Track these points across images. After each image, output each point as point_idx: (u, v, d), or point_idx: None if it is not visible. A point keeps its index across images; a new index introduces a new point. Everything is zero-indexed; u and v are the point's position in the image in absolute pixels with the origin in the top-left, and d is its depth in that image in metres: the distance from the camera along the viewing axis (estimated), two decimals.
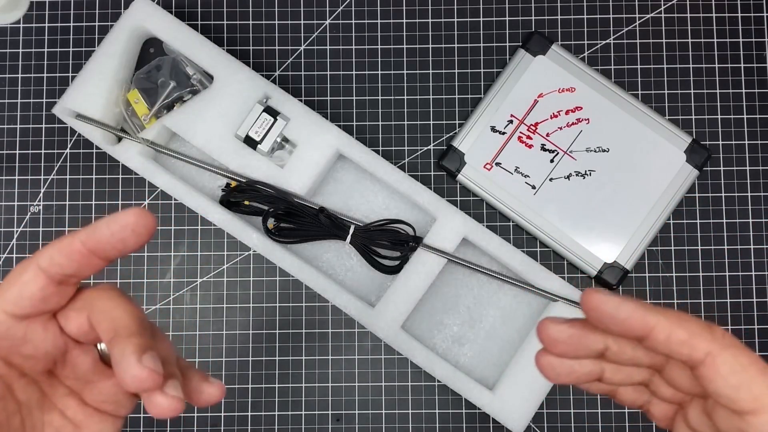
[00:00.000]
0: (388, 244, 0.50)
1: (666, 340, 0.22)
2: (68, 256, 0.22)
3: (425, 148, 0.54)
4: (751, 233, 0.53)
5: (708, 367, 0.22)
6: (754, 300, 0.52)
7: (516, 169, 0.51)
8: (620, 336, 0.23)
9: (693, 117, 0.53)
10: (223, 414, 0.51)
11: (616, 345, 0.24)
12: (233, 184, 0.50)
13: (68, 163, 0.54)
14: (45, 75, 0.54)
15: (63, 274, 0.23)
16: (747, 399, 0.21)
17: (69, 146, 0.54)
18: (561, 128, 0.52)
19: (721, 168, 0.53)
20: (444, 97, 0.54)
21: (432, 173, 0.53)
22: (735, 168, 0.53)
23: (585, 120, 0.52)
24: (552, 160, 0.51)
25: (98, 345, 0.25)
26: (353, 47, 0.54)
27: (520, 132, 0.52)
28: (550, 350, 0.24)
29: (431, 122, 0.54)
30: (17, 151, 0.54)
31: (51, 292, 0.23)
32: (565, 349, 0.24)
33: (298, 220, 0.50)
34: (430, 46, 0.54)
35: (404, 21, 0.54)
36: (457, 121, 0.54)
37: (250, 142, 0.49)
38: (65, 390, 0.25)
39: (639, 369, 0.26)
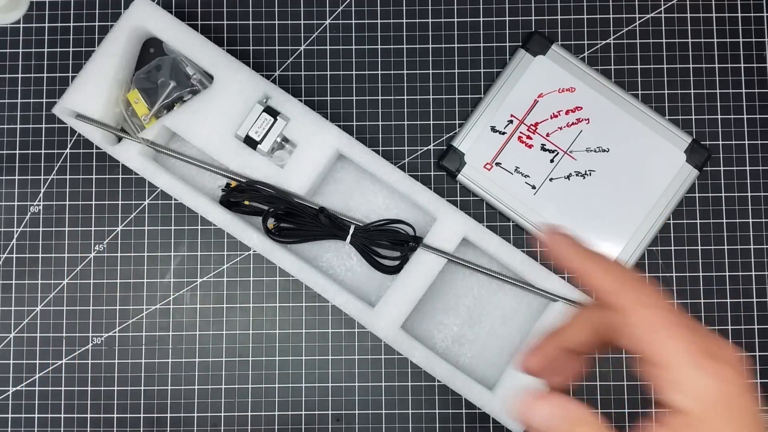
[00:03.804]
0: (388, 244, 0.50)
1: (595, 287, 0.24)
2: None
3: (425, 148, 0.54)
4: (751, 233, 0.53)
5: (621, 319, 0.23)
6: (754, 300, 0.52)
7: (516, 169, 0.51)
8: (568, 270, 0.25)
9: (693, 117, 0.53)
10: (223, 414, 0.51)
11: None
12: (233, 184, 0.50)
13: (68, 163, 0.54)
14: (45, 75, 0.54)
15: None
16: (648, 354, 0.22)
17: (69, 146, 0.54)
18: (561, 128, 0.52)
19: (721, 168, 0.53)
20: (444, 97, 0.54)
21: (432, 173, 0.53)
22: (735, 168, 0.53)
23: (585, 120, 0.52)
24: (552, 160, 0.51)
25: None
26: (353, 47, 0.54)
27: (520, 132, 0.52)
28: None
29: (431, 122, 0.54)
30: (17, 151, 0.54)
31: None
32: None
33: (298, 220, 0.50)
34: (430, 46, 0.54)
35: (404, 21, 0.54)
36: (457, 121, 0.54)
37: (250, 142, 0.49)
38: None
39: None
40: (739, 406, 0.21)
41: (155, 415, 0.51)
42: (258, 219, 0.50)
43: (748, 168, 0.53)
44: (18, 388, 0.52)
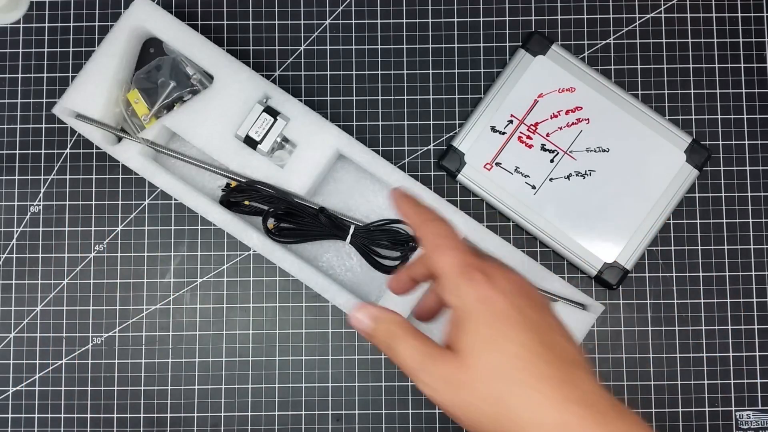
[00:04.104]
0: (388, 244, 0.50)
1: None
2: None
3: (425, 148, 0.54)
4: (751, 233, 0.53)
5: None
6: (754, 300, 0.52)
7: (516, 169, 0.51)
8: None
9: (693, 117, 0.54)
10: (223, 414, 0.51)
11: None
12: (233, 184, 0.50)
13: (68, 163, 0.54)
14: (45, 75, 0.54)
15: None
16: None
17: (69, 146, 0.54)
18: (561, 128, 0.52)
19: (721, 168, 0.53)
20: (444, 97, 0.54)
21: (432, 173, 0.53)
22: (735, 168, 0.53)
23: (585, 120, 0.52)
24: (552, 160, 0.51)
25: None
26: (353, 47, 0.54)
27: (520, 132, 0.52)
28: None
29: (431, 122, 0.54)
30: (17, 151, 0.54)
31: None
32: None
33: (298, 220, 0.50)
34: (430, 46, 0.54)
35: (404, 21, 0.54)
36: (457, 121, 0.54)
37: (250, 142, 0.49)
38: None
39: None
40: (497, 308, 0.27)
41: (155, 415, 0.52)
42: (258, 219, 0.50)
43: (748, 168, 0.53)
44: (18, 388, 0.52)
